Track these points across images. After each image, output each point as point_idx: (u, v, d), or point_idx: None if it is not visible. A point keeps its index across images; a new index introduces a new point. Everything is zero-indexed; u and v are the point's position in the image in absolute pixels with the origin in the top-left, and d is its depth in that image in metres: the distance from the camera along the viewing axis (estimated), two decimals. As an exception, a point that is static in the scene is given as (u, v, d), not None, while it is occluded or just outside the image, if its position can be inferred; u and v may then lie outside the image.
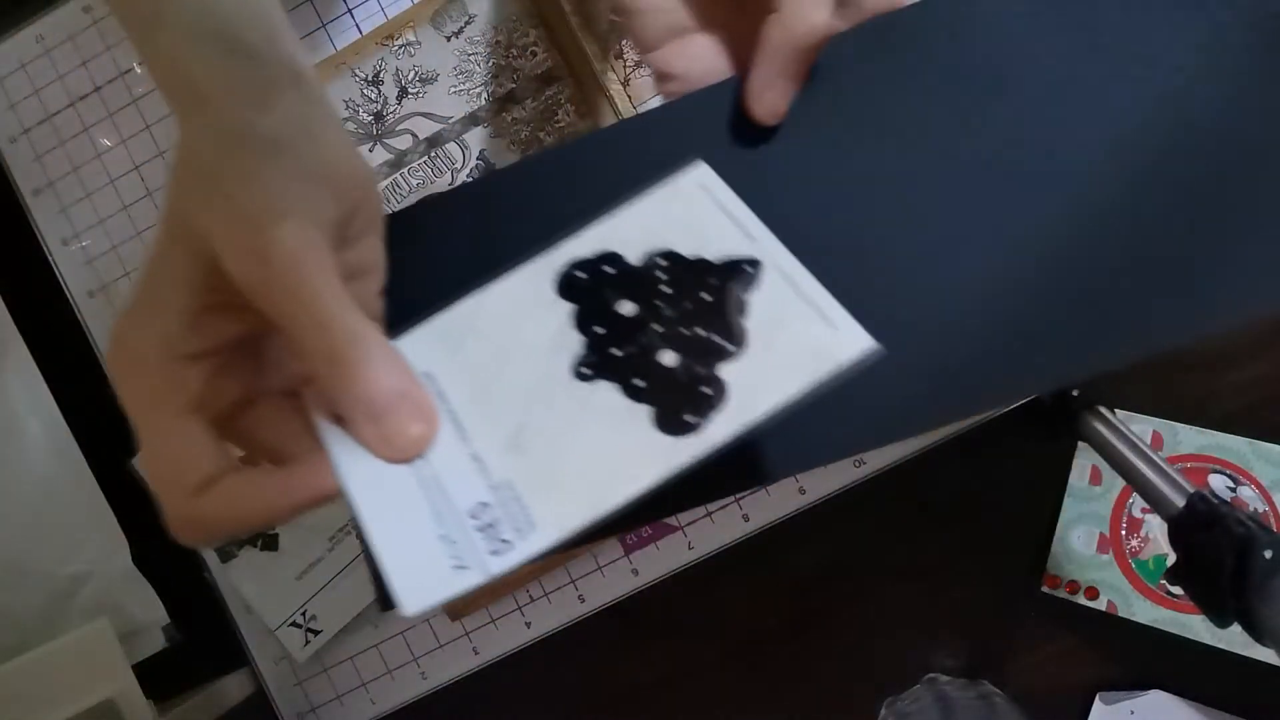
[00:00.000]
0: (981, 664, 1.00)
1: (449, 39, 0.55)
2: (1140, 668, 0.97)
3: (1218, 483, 0.96)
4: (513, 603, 0.58)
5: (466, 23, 0.55)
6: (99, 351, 0.59)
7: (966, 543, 1.00)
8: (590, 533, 0.22)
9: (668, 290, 0.25)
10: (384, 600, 0.32)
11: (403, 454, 0.23)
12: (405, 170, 0.55)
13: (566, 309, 0.25)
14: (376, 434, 0.22)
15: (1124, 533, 0.97)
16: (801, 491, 0.56)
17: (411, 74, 0.55)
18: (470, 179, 0.55)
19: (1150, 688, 0.96)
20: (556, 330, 0.24)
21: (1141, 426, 0.97)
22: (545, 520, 0.22)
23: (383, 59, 0.55)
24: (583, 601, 0.58)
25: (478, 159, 0.55)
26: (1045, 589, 0.98)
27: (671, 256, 0.25)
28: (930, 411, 0.29)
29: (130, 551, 0.59)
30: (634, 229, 0.26)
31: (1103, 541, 0.97)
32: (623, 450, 0.23)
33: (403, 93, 0.55)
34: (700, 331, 0.24)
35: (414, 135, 0.55)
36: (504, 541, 0.22)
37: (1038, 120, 0.28)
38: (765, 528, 0.57)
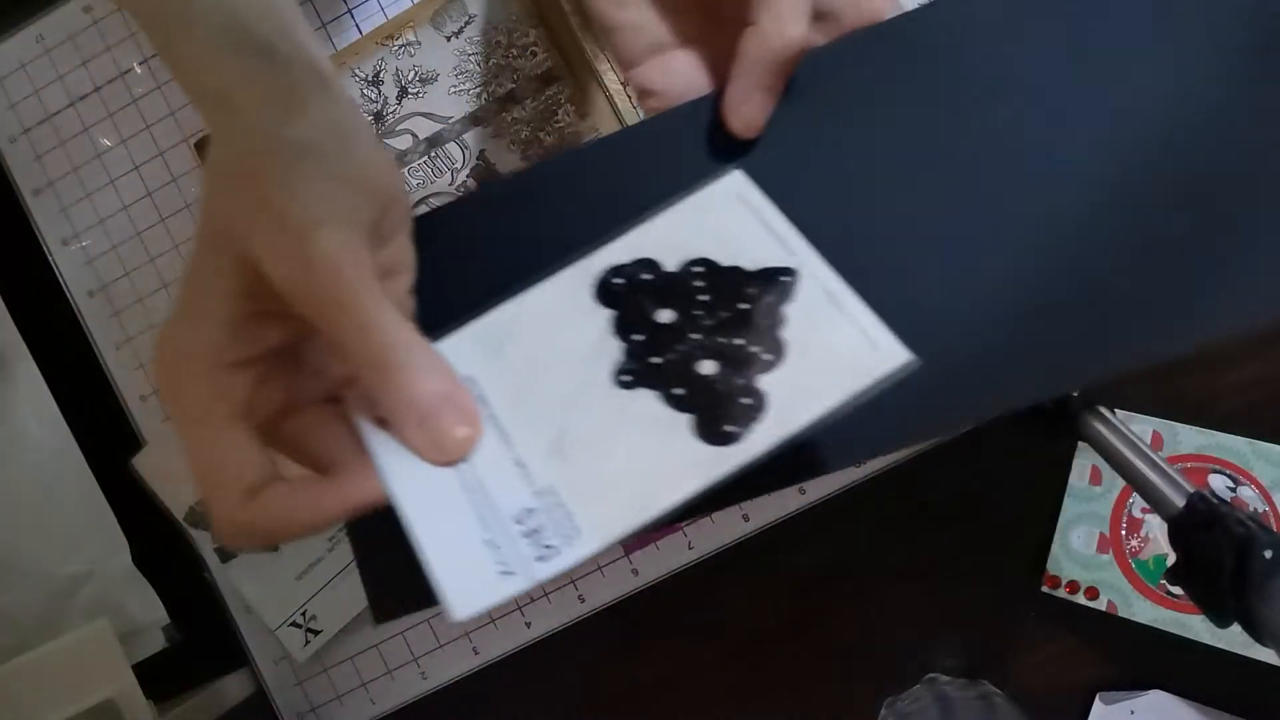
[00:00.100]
0: (981, 664, 0.99)
1: (449, 39, 0.55)
2: (1140, 668, 0.97)
3: (1218, 483, 0.95)
4: (512, 602, 0.58)
5: (466, 23, 0.55)
6: (99, 351, 0.59)
7: (966, 543, 1.00)
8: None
9: (705, 298, 0.25)
10: (376, 610, 0.32)
11: (448, 456, 0.23)
12: (405, 170, 0.55)
13: (605, 315, 0.25)
14: (422, 437, 0.22)
15: (1124, 533, 0.97)
16: (801, 491, 0.56)
17: (411, 74, 0.55)
18: (469, 179, 0.55)
19: (1150, 688, 0.96)
20: (596, 337, 0.25)
21: (1141, 426, 0.97)
22: (590, 527, 0.22)
23: (383, 59, 0.55)
24: (583, 601, 0.58)
25: (478, 159, 0.55)
26: (1045, 589, 0.98)
27: (707, 264, 0.25)
28: (921, 421, 0.29)
29: (130, 551, 0.59)
30: (670, 236, 0.26)
31: (1103, 541, 0.97)
32: (664, 458, 0.23)
33: (403, 93, 0.55)
34: (739, 341, 0.24)
35: (414, 135, 0.55)
36: (549, 547, 0.22)
37: (1038, 121, 0.28)
38: (765, 528, 0.57)
